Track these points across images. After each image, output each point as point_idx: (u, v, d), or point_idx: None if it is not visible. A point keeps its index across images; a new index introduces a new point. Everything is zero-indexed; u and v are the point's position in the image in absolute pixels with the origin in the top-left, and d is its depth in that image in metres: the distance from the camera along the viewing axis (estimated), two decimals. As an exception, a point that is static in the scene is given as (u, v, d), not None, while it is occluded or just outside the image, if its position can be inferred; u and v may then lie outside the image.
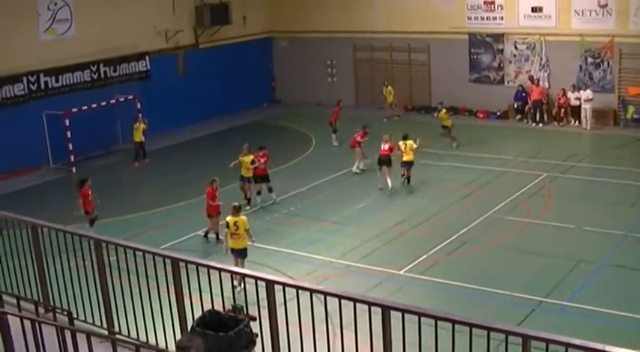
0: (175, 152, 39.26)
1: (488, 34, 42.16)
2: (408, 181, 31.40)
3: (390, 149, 30.89)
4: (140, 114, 37.80)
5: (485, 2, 41.83)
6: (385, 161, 30.84)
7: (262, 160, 29.75)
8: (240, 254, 21.99)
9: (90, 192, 26.34)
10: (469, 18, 42.55)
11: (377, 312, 8.58)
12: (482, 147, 36.38)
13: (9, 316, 7.98)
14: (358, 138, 33.17)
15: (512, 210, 27.55)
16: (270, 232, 26.62)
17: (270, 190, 29.98)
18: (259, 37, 49.15)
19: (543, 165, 32.80)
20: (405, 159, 31.19)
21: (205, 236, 26.21)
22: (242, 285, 17.81)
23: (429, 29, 43.01)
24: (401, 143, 31.27)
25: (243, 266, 21.37)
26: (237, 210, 22.07)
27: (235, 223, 21.77)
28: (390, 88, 43.30)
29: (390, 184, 30.47)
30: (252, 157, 29.52)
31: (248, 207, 28.90)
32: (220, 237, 25.17)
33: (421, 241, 25.21)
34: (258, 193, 29.92)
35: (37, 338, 8.00)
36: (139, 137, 37.25)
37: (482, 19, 42.12)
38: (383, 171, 30.95)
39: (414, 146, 30.97)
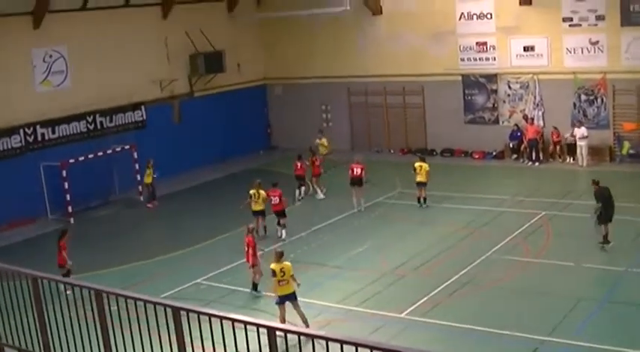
0: (173, 200, 39.26)
1: (481, 75, 42.39)
2: (425, 201, 33.35)
3: (361, 170, 33.97)
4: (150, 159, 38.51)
5: (477, 43, 42.10)
6: (357, 182, 33.97)
7: (276, 196, 31.31)
8: (291, 298, 21.72)
9: (65, 245, 26.68)
10: (462, 59, 42.81)
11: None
12: (479, 187, 36.43)
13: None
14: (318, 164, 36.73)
15: (512, 250, 27.54)
16: (269, 279, 26.49)
17: (283, 226, 31.28)
18: (254, 84, 49.41)
19: (541, 203, 32.82)
20: (418, 180, 33.30)
21: (255, 289, 25.35)
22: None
23: (422, 72, 43.32)
24: (417, 165, 33.21)
25: (299, 308, 21.65)
26: (280, 256, 21.91)
27: (282, 269, 21.54)
28: (323, 139, 42.09)
29: (357, 205, 33.85)
30: (264, 193, 31.13)
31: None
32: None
33: (422, 283, 25.16)
34: (265, 231, 31.24)
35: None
36: (149, 179, 38.09)
37: (475, 59, 42.37)
38: (355, 192, 34.02)
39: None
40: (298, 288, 22.02)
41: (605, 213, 26.58)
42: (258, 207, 31.26)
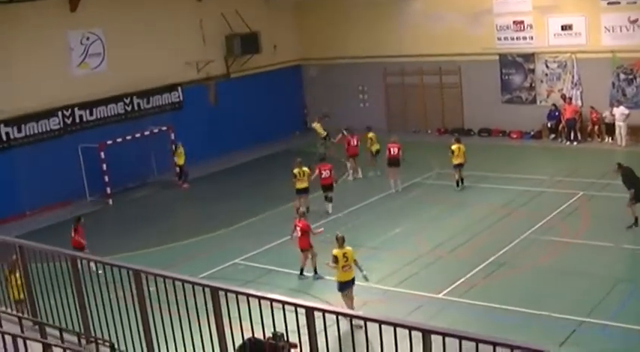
0: (209, 181, 39.40)
1: (518, 54, 42.08)
2: (462, 182, 33.36)
3: (398, 150, 33.99)
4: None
5: (514, 22, 41.75)
6: (394, 162, 34.15)
7: (326, 170, 31.81)
8: (351, 284, 21.35)
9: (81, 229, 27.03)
10: (499, 38, 42.48)
11: (417, 337, 8.53)
12: (516, 167, 36.20)
13: (53, 348, 8.04)
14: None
15: (550, 230, 27.36)
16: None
17: (330, 200, 31.83)
18: (290, 64, 49.36)
19: (579, 183, 32.59)
20: (456, 162, 33.22)
21: (301, 273, 25.02)
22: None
23: (459, 51, 43.00)
24: (454, 147, 33.07)
25: (352, 293, 21.30)
26: (342, 241, 21.40)
27: (344, 255, 21.11)
28: (319, 123, 41.57)
29: (394, 186, 33.80)
30: (308, 169, 31.58)
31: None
32: (305, 272, 24.91)
33: (459, 264, 25.10)
34: (307, 210, 30.63)
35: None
36: (180, 160, 38.50)
37: (512, 39, 42.03)
38: (392, 173, 33.92)
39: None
40: (363, 273, 21.60)
41: (637, 193, 26.38)
42: (302, 184, 31.37)
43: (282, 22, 48.24)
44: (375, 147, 36.72)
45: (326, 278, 23.86)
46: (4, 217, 33.76)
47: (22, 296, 15.02)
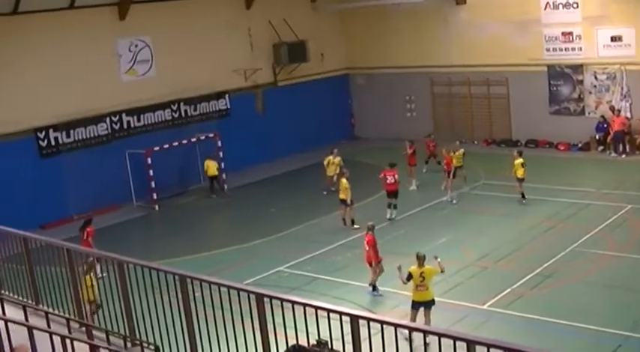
0: (255, 189, 39.52)
1: (567, 65, 41.78)
2: (523, 196, 32.62)
3: (447, 163, 34.14)
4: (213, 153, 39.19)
5: (563, 33, 41.46)
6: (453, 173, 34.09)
7: (392, 175, 31.51)
8: (428, 305, 20.35)
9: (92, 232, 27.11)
10: (547, 49, 42.20)
11: (462, 347, 8.50)
12: (564, 179, 35.94)
13: (101, 349, 8.11)
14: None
15: (596, 243, 27.12)
16: (352, 268, 26.60)
17: (394, 207, 31.75)
18: (337, 73, 49.38)
19: (627, 196, 32.28)
20: (519, 175, 32.82)
21: (374, 289, 24.22)
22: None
23: (506, 62, 42.77)
24: (517, 162, 32.64)
25: (430, 317, 20.25)
26: (423, 260, 20.48)
27: (421, 274, 20.21)
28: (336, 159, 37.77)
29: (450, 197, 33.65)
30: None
31: (357, 226, 30.29)
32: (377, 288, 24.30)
33: (504, 275, 24.98)
34: (389, 206, 31.68)
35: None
36: (212, 171, 38.58)
37: (561, 50, 41.74)
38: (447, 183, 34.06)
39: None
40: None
41: None
42: (341, 195, 31.40)
43: (330, 31, 48.28)
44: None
45: (385, 295, 23.76)
46: (52, 221, 34.06)
47: (93, 297, 15.27)
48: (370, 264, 24.09)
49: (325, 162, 35.58)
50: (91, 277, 15.13)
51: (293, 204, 35.84)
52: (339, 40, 49.13)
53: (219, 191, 38.96)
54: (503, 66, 43.03)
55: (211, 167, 38.56)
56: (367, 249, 24.18)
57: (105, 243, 27.24)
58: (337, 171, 34.88)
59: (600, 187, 34.17)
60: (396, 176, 31.76)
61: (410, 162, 37.11)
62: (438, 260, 20.71)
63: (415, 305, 20.49)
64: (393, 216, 31.69)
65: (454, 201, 33.62)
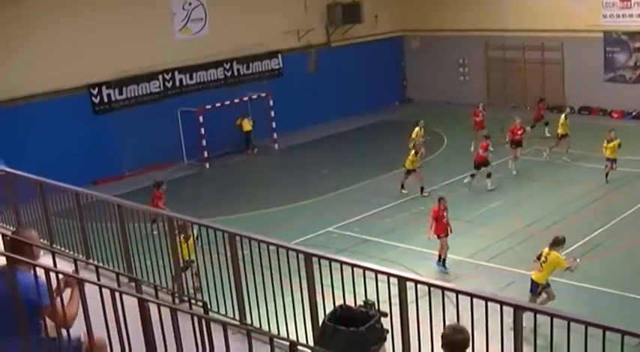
0: (306, 149, 39.57)
1: (624, 32, 41.15)
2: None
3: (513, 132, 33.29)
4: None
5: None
6: (517, 143, 33.19)
7: (482, 149, 31.11)
8: (535, 287, 19.25)
9: (161, 195, 27.06)
10: (604, 16, 41.57)
11: (508, 312, 8.47)
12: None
13: (149, 305, 8.18)
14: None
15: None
16: (401, 231, 26.65)
17: (488, 175, 31.02)
18: (391, 35, 49.12)
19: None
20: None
21: (442, 263, 23.45)
22: None
23: (562, 27, 42.18)
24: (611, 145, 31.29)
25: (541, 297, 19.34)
26: (556, 244, 18.99)
27: (546, 256, 18.98)
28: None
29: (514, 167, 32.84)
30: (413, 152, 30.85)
31: (426, 193, 30.08)
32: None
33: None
34: (472, 176, 31.29)
35: (174, 324, 8.19)
36: (248, 127, 39.20)
37: (618, 16, 41.09)
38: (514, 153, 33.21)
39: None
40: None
41: None
42: (411, 165, 30.86)
43: (384, -7, 48.01)
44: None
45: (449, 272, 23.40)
46: (104, 177, 34.39)
47: (192, 256, 15.50)
48: (438, 236, 23.44)
49: (414, 135, 34.56)
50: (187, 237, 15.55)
51: (344, 165, 35.82)
52: (394, 2, 48.78)
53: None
54: (559, 31, 42.45)
55: (246, 124, 39.08)
56: (431, 222, 23.48)
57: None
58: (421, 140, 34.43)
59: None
60: (487, 148, 31.23)
61: (478, 126, 36.81)
62: (578, 260, 19.48)
63: (532, 287, 19.40)
64: (489, 186, 30.96)
65: (514, 173, 33.00)
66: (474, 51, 46.60)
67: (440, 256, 23.41)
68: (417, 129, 34.75)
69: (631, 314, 19.47)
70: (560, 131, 34.21)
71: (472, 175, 31.28)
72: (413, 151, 30.96)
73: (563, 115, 34.72)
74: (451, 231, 23.39)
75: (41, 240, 13.97)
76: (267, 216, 29.25)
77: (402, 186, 30.90)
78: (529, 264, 22.57)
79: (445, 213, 23.41)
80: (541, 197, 29.79)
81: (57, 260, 8.91)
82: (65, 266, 9.15)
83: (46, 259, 8.96)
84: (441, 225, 23.28)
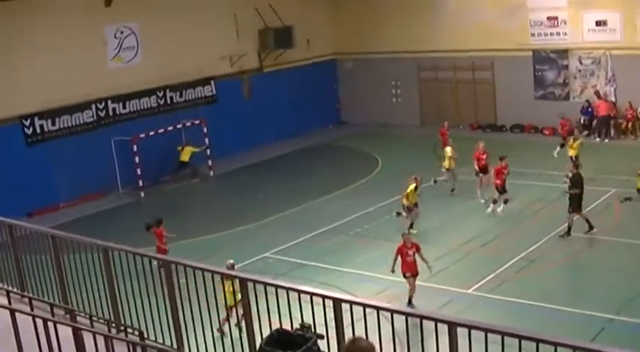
0: (242, 175, 39.52)
1: (552, 50, 41.84)
2: None
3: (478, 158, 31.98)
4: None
5: (548, 18, 41.51)
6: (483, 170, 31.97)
7: (505, 171, 30.01)
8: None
9: (164, 233, 26.18)
10: (532, 34, 42.25)
11: (444, 331, 8.57)
12: (549, 164, 36.00)
13: (84, 334, 8.17)
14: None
15: (581, 228, 27.13)
16: (338, 254, 26.75)
17: (494, 202, 29.94)
18: (324, 59, 49.35)
19: (612, 181, 32.35)
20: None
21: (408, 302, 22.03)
22: None
23: (492, 47, 42.78)
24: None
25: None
26: None
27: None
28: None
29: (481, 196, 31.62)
30: (413, 186, 28.95)
31: (415, 231, 27.66)
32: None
33: (489, 259, 25.11)
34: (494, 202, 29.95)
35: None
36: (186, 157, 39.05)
37: (546, 34, 41.79)
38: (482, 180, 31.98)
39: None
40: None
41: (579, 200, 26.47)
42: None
43: (316, 16, 48.23)
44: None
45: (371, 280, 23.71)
46: (39, 208, 34.04)
47: (233, 302, 15.31)
48: (404, 275, 22.33)
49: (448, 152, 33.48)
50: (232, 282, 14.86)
51: (280, 189, 35.83)
52: (326, 25, 49.06)
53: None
54: (489, 51, 43.05)
55: (186, 152, 38.99)
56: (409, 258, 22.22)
57: (91, 229, 27.35)
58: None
59: (585, 172, 34.12)
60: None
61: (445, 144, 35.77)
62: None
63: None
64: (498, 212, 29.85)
65: (483, 202, 31.36)
66: (406, 72, 46.96)
67: (409, 299, 22.08)
68: (448, 148, 33.77)
69: (565, 327, 19.74)
70: (571, 153, 33.63)
71: (494, 201, 30.06)
72: (412, 185, 28.90)
73: (574, 139, 34.39)
74: (429, 270, 22.31)
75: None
76: (204, 243, 29.16)
77: (411, 226, 28.30)
78: (466, 283, 22.92)
79: (411, 252, 22.09)
80: (476, 215, 30.08)
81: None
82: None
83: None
84: (405, 263, 22.13)
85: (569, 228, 26.56)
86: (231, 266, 19.87)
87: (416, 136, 42.02)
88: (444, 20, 44.89)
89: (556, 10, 41.24)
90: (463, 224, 29.13)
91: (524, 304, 21.47)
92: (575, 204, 26.54)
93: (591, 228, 26.61)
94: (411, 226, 28.19)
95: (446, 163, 32.56)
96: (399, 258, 22.09)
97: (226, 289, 12.71)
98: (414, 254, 22.03)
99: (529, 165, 35.56)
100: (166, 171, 38.89)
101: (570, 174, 27.43)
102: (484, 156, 32.08)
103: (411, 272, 22.02)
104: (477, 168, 32.10)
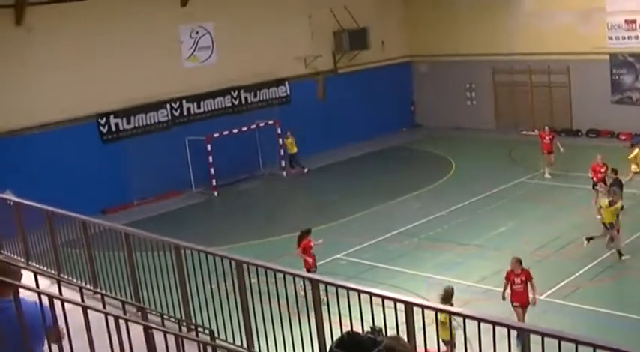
0: (315, 176, 39.57)
1: (630, 54, 41.19)
2: None
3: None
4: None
5: (626, 21, 40.85)
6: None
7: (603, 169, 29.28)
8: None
9: (311, 244, 24.15)
10: (610, 38, 41.60)
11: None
12: (625, 169, 35.42)
13: (155, 332, 8.17)
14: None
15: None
16: (409, 257, 26.61)
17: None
18: (398, 61, 49.18)
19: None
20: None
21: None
22: None
23: (568, 50, 42.25)
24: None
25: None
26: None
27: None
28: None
29: None
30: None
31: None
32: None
33: (563, 266, 24.73)
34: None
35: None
36: (292, 149, 39.63)
37: (624, 38, 41.11)
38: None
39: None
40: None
41: None
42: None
43: (391, 18, 48.11)
44: None
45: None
46: (113, 206, 34.42)
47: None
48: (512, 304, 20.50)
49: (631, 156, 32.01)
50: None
51: (353, 191, 35.78)
52: (401, 28, 48.93)
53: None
54: (565, 54, 42.50)
55: (291, 142, 39.91)
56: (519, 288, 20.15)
57: (164, 227, 27.58)
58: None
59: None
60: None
61: (545, 148, 35.24)
62: None
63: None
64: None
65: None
66: (481, 75, 46.65)
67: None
68: (636, 150, 32.20)
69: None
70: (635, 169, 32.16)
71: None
72: (606, 200, 25.74)
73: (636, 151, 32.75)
74: (534, 303, 20.26)
75: (48, 270, 14.03)
76: (276, 243, 29.18)
77: (620, 254, 25.37)
78: (540, 289, 22.55)
79: (518, 279, 20.02)
80: (551, 220, 29.68)
81: (63, 289, 8.92)
82: (72, 295, 9.17)
83: (53, 288, 8.97)
84: (512, 291, 20.16)
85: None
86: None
87: (490, 140, 41.65)
88: (519, 23, 44.46)
89: (634, 13, 40.53)
90: (536, 229, 28.71)
91: (599, 312, 21.13)
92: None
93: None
94: (620, 254, 25.22)
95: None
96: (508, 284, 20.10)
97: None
98: (523, 282, 20.00)
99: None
100: (240, 170, 38.97)
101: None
102: (602, 170, 29.93)
103: (519, 302, 19.91)
104: (593, 180, 30.02)
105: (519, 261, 20.23)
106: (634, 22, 40.59)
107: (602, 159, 30.42)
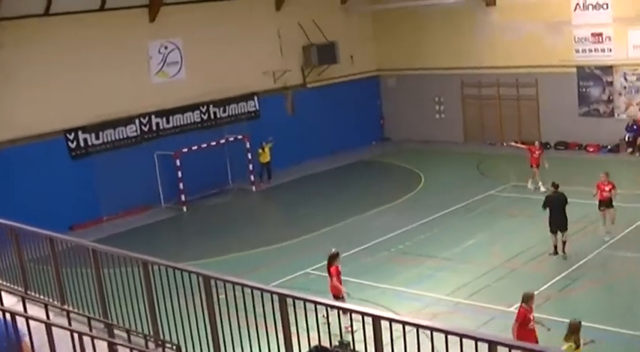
0: (284, 191, 39.57)
1: (596, 67, 41.52)
2: None
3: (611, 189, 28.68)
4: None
5: (592, 34, 41.21)
6: (606, 203, 28.50)
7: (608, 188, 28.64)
8: None
9: (337, 271, 22.28)
10: (577, 51, 41.96)
11: (484, 350, 8.43)
12: (593, 181, 35.53)
13: (120, 348, 8.15)
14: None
15: (626, 246, 26.87)
16: (379, 270, 26.60)
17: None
18: (367, 75, 49.32)
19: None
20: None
21: None
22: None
23: (536, 63, 42.58)
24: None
25: None
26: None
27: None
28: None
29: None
30: None
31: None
32: None
33: (532, 277, 24.80)
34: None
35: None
36: (264, 158, 39.89)
37: (591, 51, 41.47)
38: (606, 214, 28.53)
39: None
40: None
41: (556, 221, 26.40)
42: None
43: (360, 33, 48.27)
44: None
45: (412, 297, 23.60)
46: (82, 222, 34.26)
47: None
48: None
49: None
50: None
51: (323, 205, 35.81)
52: (369, 42, 49.11)
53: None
54: (533, 67, 42.86)
55: (266, 152, 40.12)
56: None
57: (132, 243, 27.46)
58: None
59: (630, 189, 33.85)
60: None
61: (534, 163, 35.26)
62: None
63: None
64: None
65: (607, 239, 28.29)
66: (449, 89, 46.85)
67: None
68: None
69: (611, 347, 19.48)
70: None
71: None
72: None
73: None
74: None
75: (15, 287, 13.94)
76: (245, 258, 29.14)
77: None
78: (508, 300, 22.65)
79: (531, 315, 18.54)
80: (519, 232, 29.79)
81: (28, 305, 8.88)
82: (38, 312, 9.13)
83: (19, 305, 8.94)
84: (523, 331, 18.24)
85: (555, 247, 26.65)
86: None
87: (459, 153, 41.76)
88: (487, 37, 44.74)
89: (601, 26, 40.91)
90: (505, 241, 28.80)
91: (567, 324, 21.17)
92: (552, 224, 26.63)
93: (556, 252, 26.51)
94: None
95: None
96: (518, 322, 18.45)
97: None
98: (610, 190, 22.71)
99: (572, 182, 35.13)
100: (209, 185, 38.90)
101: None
102: (608, 188, 28.83)
103: (530, 341, 17.23)
104: (598, 199, 28.98)
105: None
106: (600, 34, 40.96)
107: (607, 177, 29.00)
